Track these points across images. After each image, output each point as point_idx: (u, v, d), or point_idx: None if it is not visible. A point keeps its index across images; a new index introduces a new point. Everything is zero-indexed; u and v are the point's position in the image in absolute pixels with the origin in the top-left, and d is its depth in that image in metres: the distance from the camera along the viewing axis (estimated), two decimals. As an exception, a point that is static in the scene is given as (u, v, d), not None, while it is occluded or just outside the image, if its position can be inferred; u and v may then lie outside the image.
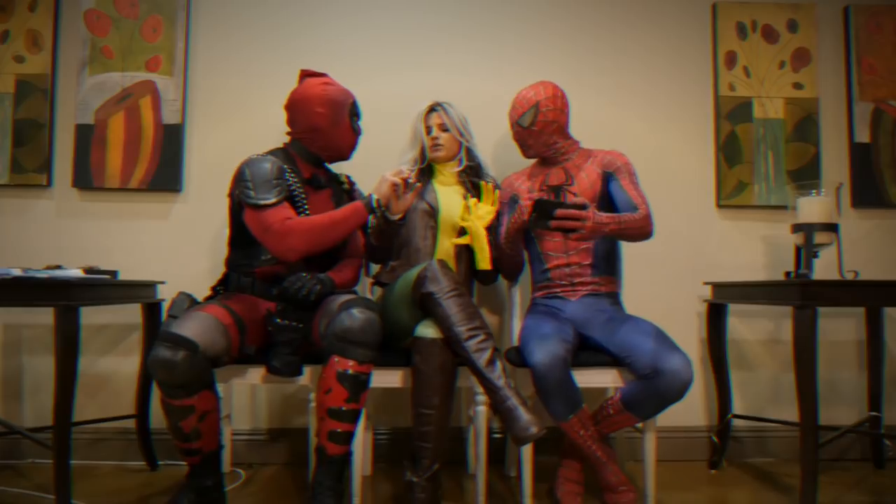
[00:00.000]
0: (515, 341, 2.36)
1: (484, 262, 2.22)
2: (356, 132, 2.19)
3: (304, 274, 1.96)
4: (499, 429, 2.63)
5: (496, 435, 2.61)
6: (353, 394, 1.79)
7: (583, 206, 1.91)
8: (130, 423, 2.55)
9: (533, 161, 2.56)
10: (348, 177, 2.31)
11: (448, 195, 2.32)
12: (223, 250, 2.62)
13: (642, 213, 2.08)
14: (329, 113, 2.09)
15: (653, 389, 1.85)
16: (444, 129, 2.32)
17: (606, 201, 2.23)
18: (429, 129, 2.33)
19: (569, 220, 1.90)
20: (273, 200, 1.93)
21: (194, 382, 1.72)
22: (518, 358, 2.02)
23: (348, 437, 1.82)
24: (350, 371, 1.78)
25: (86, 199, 2.64)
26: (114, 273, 2.31)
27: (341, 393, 1.78)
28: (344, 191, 2.26)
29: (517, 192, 2.32)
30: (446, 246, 2.30)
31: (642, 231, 2.08)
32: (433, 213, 2.28)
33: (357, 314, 1.80)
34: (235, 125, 2.68)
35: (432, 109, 2.34)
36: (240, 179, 1.98)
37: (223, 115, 2.69)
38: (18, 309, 2.60)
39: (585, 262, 2.20)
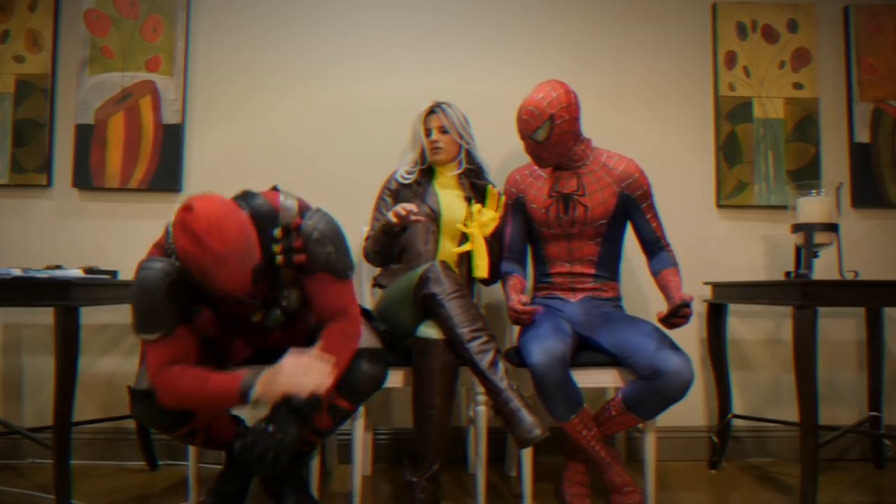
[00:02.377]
0: (515, 342, 2.36)
1: (481, 270, 2.18)
2: (235, 301, 1.64)
3: (265, 425, 1.54)
4: (499, 429, 2.62)
5: (497, 435, 2.61)
6: (336, 424, 1.82)
7: (689, 303, 1.91)
8: (130, 423, 2.55)
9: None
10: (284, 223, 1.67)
11: (449, 198, 2.30)
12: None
13: (675, 257, 2.19)
14: (198, 281, 1.55)
15: (654, 390, 1.85)
16: (443, 130, 2.29)
17: (619, 220, 2.20)
18: (428, 132, 2.31)
19: (680, 318, 1.93)
20: (154, 337, 1.58)
21: (182, 416, 1.67)
22: (518, 358, 2.02)
23: (316, 445, 1.90)
24: (343, 407, 1.79)
25: (86, 199, 2.64)
26: (114, 273, 2.31)
27: (326, 420, 1.80)
28: (280, 253, 1.65)
29: (524, 194, 2.26)
30: (448, 250, 2.28)
31: None
32: (435, 217, 2.26)
33: (367, 369, 1.74)
34: (235, 125, 2.68)
35: (432, 111, 2.31)
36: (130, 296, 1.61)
37: (223, 115, 2.68)
38: (18, 309, 2.59)
39: (588, 272, 2.20)
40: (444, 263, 1.93)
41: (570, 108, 2.09)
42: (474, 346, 1.84)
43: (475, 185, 2.36)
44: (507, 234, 2.30)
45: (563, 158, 2.17)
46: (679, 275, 2.13)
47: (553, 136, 2.09)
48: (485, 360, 1.82)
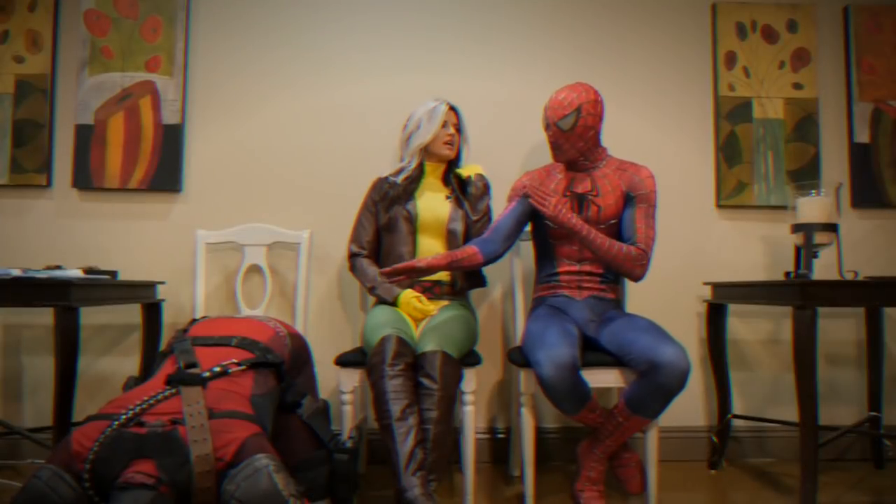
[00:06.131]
0: (518, 340, 2.35)
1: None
2: None
3: None
4: (502, 429, 2.63)
5: (500, 435, 2.61)
6: None
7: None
8: (130, 424, 2.55)
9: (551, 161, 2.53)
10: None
11: (429, 200, 2.32)
12: (222, 250, 2.62)
13: (632, 251, 2.08)
14: None
15: (653, 384, 1.85)
16: (457, 129, 2.36)
17: None
18: (445, 125, 2.33)
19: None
20: None
21: None
22: (521, 358, 2.02)
23: None
24: None
25: (85, 200, 2.64)
26: (113, 273, 2.31)
27: None
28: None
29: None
30: (427, 248, 2.30)
31: (625, 267, 2.08)
32: (411, 218, 2.28)
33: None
34: (235, 125, 2.68)
35: (452, 108, 2.36)
36: None
37: (223, 115, 2.68)
38: (18, 309, 2.59)
39: (596, 272, 2.20)
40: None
41: (596, 106, 2.15)
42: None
43: (459, 177, 2.39)
44: (498, 217, 2.22)
45: (579, 155, 2.19)
46: (620, 247, 2.07)
47: (577, 127, 2.12)
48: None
